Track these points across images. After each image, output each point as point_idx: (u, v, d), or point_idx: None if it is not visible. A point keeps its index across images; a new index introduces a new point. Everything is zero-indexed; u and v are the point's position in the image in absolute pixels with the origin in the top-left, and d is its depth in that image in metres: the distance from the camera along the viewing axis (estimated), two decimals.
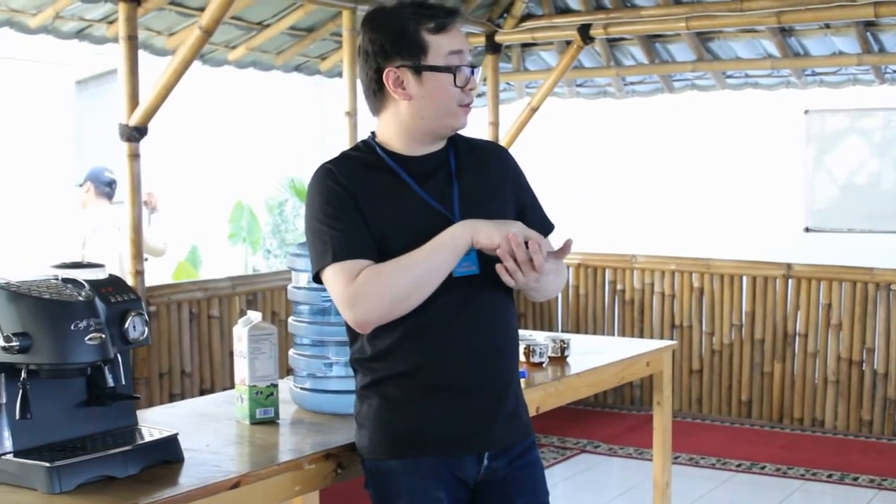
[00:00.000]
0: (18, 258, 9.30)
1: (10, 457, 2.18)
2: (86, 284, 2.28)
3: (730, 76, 7.42)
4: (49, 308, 2.16)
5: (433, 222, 2.35)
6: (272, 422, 2.77)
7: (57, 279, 2.29)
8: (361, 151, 2.45)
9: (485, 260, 2.35)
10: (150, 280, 5.22)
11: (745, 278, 7.00)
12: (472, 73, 2.40)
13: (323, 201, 2.36)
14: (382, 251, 2.33)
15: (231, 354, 5.62)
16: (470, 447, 2.41)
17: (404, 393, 2.38)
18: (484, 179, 2.46)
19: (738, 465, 6.04)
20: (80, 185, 6.26)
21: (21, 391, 2.16)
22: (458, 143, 2.49)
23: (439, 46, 2.36)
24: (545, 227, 2.55)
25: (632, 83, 7.80)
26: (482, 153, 2.52)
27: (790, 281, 6.85)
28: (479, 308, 2.40)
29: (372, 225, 2.34)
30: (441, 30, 2.37)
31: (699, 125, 9.30)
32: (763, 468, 6.00)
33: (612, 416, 7.13)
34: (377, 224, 2.34)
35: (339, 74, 6.50)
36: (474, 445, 2.41)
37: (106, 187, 6.18)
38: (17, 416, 2.16)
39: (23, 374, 2.17)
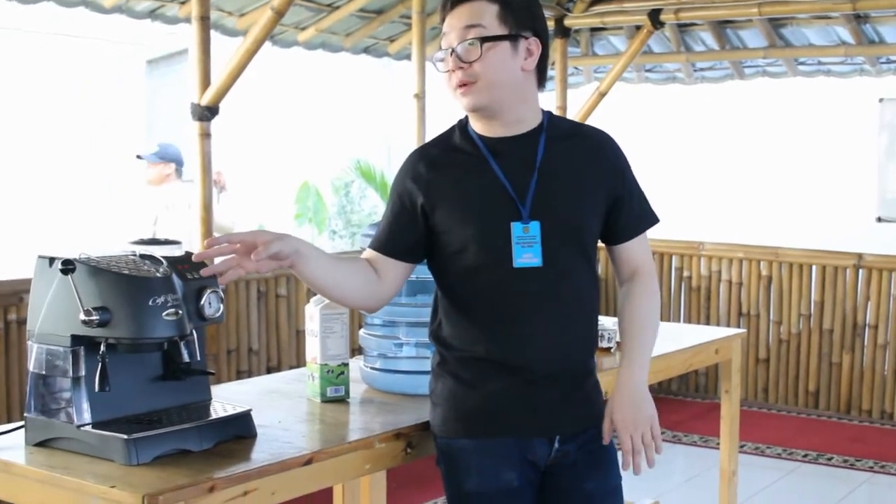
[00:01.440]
0: (89, 235, 9.45)
1: (89, 428, 2.22)
2: (163, 261, 2.31)
3: (802, 63, 7.32)
4: (128, 283, 2.20)
5: (502, 205, 2.37)
6: (342, 400, 2.79)
7: (135, 255, 2.33)
8: (454, 132, 2.48)
9: (550, 251, 2.35)
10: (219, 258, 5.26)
11: (814, 268, 6.91)
12: (451, 52, 2.35)
13: (394, 189, 2.48)
14: (454, 234, 2.38)
15: (298, 333, 5.72)
16: (541, 430, 2.41)
17: (478, 374, 2.40)
18: (571, 170, 2.41)
19: (805, 456, 5.98)
20: (154, 162, 6.28)
21: (100, 364, 2.20)
22: (552, 128, 2.45)
23: (444, 28, 2.41)
24: (643, 220, 2.52)
25: (701, 69, 7.72)
26: (577, 141, 2.47)
27: (861, 271, 6.75)
28: (556, 299, 2.39)
29: (439, 214, 2.38)
30: (445, 12, 2.40)
31: (770, 112, 9.19)
32: (830, 459, 5.93)
33: (676, 403, 7.09)
34: (447, 209, 2.38)
35: (408, 57, 6.50)
36: (545, 429, 2.42)
37: (181, 167, 6.24)
38: (97, 389, 2.20)
39: (102, 348, 2.21)
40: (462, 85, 2.36)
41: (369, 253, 2.47)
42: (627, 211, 2.48)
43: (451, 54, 2.36)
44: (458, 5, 2.37)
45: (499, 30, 2.34)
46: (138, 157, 6.40)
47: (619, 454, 2.47)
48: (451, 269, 2.42)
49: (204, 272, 2.24)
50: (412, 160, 2.47)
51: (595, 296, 2.51)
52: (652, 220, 2.56)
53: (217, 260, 2.24)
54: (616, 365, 3.36)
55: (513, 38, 2.35)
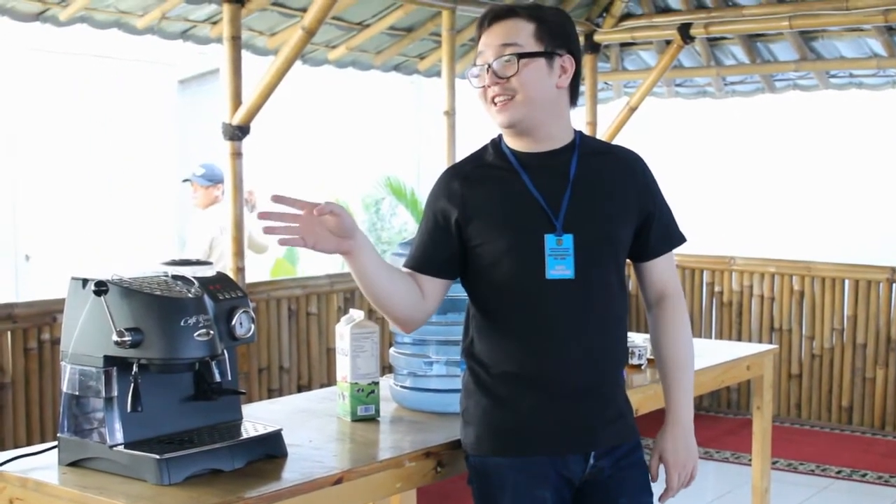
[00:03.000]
0: (123, 257, 9.52)
1: (121, 448, 2.24)
2: (195, 281, 2.33)
3: (833, 76, 7.27)
4: (160, 304, 2.22)
5: (537, 220, 2.40)
6: (373, 419, 2.80)
7: (167, 276, 2.35)
8: (487, 150, 2.52)
9: (582, 264, 2.38)
10: (250, 277, 5.30)
11: (847, 282, 6.86)
12: (488, 68, 2.39)
13: (428, 206, 2.50)
14: (487, 246, 2.41)
15: (328, 351, 5.73)
16: (576, 446, 2.43)
17: (511, 391, 2.41)
18: (603, 185, 2.46)
19: (839, 472, 5.93)
20: (204, 185, 6.31)
21: (132, 385, 2.22)
22: (584, 145, 2.49)
23: (480, 46, 2.44)
24: (671, 239, 2.57)
25: (732, 83, 7.69)
26: (608, 158, 2.51)
27: (894, 285, 6.69)
28: (587, 312, 2.41)
29: (473, 228, 2.41)
30: (481, 30, 2.44)
31: (801, 126, 9.14)
32: (864, 476, 5.88)
33: (708, 420, 7.05)
34: (482, 223, 2.41)
35: (438, 74, 6.52)
36: (580, 445, 2.43)
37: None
38: (129, 409, 2.23)
39: (134, 369, 2.23)
40: (498, 100, 2.39)
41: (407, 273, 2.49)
42: (657, 229, 2.52)
43: (488, 70, 2.39)
44: (495, 23, 2.42)
45: (535, 47, 2.39)
46: (186, 180, 6.44)
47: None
48: (484, 282, 2.45)
49: (265, 229, 2.27)
50: (445, 178, 2.50)
51: (625, 308, 2.55)
52: (679, 239, 2.59)
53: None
54: (647, 382, 3.38)
55: (548, 55, 2.40)
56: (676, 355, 2.58)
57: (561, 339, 2.39)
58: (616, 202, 2.46)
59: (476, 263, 2.44)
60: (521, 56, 2.37)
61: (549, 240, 2.38)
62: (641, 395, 3.29)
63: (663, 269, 2.57)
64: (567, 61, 2.43)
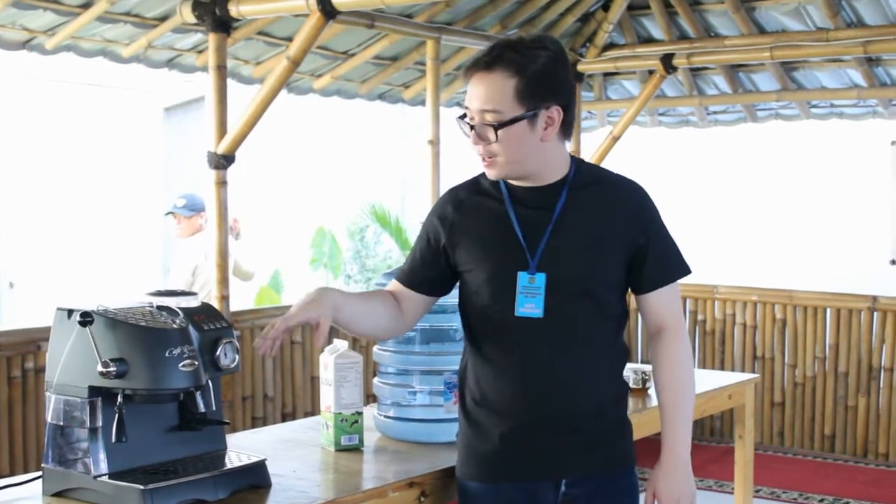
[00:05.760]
0: (107, 284, 9.50)
1: (105, 478, 2.25)
2: (180, 312, 2.34)
3: (815, 106, 7.33)
4: (145, 335, 2.23)
5: (514, 254, 2.42)
6: (356, 449, 2.81)
7: (152, 307, 2.36)
8: (485, 176, 2.50)
9: (554, 303, 2.38)
10: (234, 305, 5.30)
11: (828, 310, 6.90)
12: (472, 127, 2.36)
13: (427, 222, 2.58)
14: (473, 274, 2.46)
15: (313, 379, 5.73)
16: (544, 474, 2.44)
17: (487, 418, 2.46)
18: (589, 220, 2.43)
19: (821, 501, 5.95)
20: (187, 215, 6.34)
21: (117, 415, 2.23)
22: (578, 177, 2.46)
23: (467, 96, 2.42)
24: (668, 271, 2.50)
25: (715, 112, 7.74)
26: (600, 190, 2.47)
27: (875, 314, 6.74)
28: (557, 348, 2.41)
29: (460, 254, 2.47)
30: (467, 77, 2.40)
31: (783, 155, 9.19)
32: None
33: (691, 448, 7.06)
34: (467, 251, 2.46)
35: (423, 103, 6.55)
36: (548, 472, 2.44)
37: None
38: (113, 440, 2.23)
39: (119, 399, 2.24)
40: (483, 157, 2.41)
41: (394, 284, 2.59)
42: (652, 262, 2.47)
43: (472, 129, 2.38)
44: (478, 75, 2.36)
45: (516, 110, 2.32)
46: (168, 213, 6.47)
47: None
48: (469, 307, 2.51)
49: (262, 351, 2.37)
50: (443, 200, 2.56)
51: (612, 342, 2.50)
52: (680, 271, 2.54)
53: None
54: (649, 406, 3.40)
55: (530, 115, 2.34)
56: (672, 388, 2.52)
57: (529, 372, 2.41)
58: (601, 238, 2.42)
59: (465, 288, 2.51)
60: (498, 126, 2.32)
61: (522, 277, 2.39)
62: (639, 419, 3.30)
63: (660, 302, 2.51)
64: (554, 112, 2.35)
